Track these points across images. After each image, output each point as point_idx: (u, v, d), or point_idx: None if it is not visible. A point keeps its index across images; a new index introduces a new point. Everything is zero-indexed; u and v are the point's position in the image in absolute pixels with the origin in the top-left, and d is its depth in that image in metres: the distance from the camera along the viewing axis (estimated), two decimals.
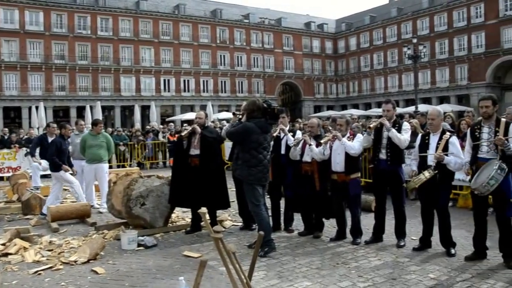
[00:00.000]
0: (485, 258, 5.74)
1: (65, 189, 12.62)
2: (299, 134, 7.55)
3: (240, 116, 6.69)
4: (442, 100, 53.96)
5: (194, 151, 7.50)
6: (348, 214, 6.94)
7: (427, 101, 53.17)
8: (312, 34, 68.18)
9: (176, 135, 14.93)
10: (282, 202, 7.68)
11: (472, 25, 52.55)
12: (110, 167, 12.98)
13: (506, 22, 49.54)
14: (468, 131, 6.05)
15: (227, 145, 13.39)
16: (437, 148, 5.96)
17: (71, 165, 9.53)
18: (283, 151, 7.41)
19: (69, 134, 9.80)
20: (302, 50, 66.57)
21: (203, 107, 37.19)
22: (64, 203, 9.87)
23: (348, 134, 6.79)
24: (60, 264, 5.89)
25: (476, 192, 5.48)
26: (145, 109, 47.44)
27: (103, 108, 34.01)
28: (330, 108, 64.90)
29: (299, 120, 18.50)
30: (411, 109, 35.98)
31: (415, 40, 38.29)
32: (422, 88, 54.28)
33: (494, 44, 50.36)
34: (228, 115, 35.41)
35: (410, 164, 6.50)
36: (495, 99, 5.77)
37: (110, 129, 23.13)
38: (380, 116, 6.80)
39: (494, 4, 50.29)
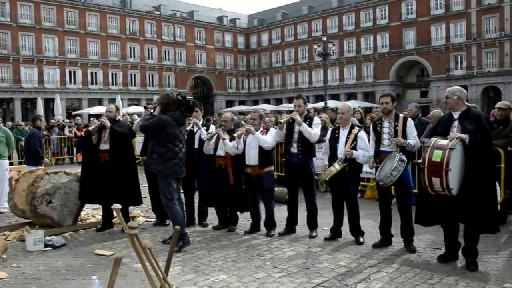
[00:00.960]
0: (390, 245, 6.11)
1: None
2: (212, 128, 7.55)
3: (152, 110, 6.55)
4: (350, 96, 56.36)
5: (104, 146, 7.27)
6: (262, 207, 7.04)
7: (335, 97, 55.28)
8: (224, 28, 68.25)
9: (84, 130, 14.35)
10: (196, 197, 7.66)
11: (377, 26, 55.33)
12: (11, 163, 12.17)
13: (408, 25, 52.82)
14: (371, 126, 6.40)
15: (138, 140, 13.08)
16: (346, 141, 6.23)
17: None
18: (196, 145, 7.37)
19: (42, 125, 10.09)
20: (214, 45, 66.42)
21: (112, 101, 36.02)
22: None
23: (261, 128, 6.88)
24: None
25: (381, 183, 5.82)
26: (48, 102, 45.09)
27: (1, 101, 31.92)
28: (242, 103, 65.49)
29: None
30: (321, 104, 37.29)
31: (324, 38, 39.73)
32: (331, 84, 56.31)
33: (397, 45, 53.49)
34: (139, 109, 34.59)
35: (322, 157, 6.72)
36: (394, 96, 6.20)
37: (9, 123, 21.69)
38: (291, 111, 6.95)
39: (397, 7, 53.40)
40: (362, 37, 56.98)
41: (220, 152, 7.05)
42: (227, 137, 6.94)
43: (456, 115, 5.31)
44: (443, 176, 4.85)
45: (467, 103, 5.38)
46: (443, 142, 5.00)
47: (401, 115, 6.06)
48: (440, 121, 5.64)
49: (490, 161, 5.27)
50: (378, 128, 6.10)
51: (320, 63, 50.45)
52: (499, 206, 7.22)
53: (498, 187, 7.26)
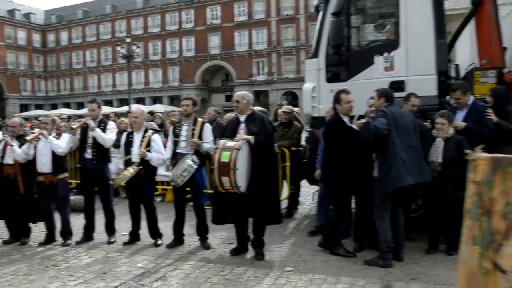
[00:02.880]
0: (182, 244, 6.38)
1: None
2: None
3: None
4: (155, 100, 56.38)
5: None
6: (57, 217, 6.74)
7: (141, 101, 54.76)
8: (17, 23, 62.37)
9: None
10: None
11: (183, 29, 56.44)
12: None
13: (212, 30, 55.02)
14: (171, 128, 6.60)
15: None
16: (140, 145, 6.32)
17: None
18: None
19: None
20: (5, 41, 60.22)
21: None
22: None
23: (54, 134, 6.59)
24: None
25: (173, 184, 6.08)
26: None
27: None
28: (38, 107, 60.35)
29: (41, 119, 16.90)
30: (125, 108, 36.60)
31: (128, 40, 38.99)
32: (136, 88, 55.66)
33: (202, 49, 55.23)
34: None
35: (117, 162, 6.72)
36: (195, 100, 6.55)
37: None
38: None
39: (202, 12, 55.24)
40: (168, 40, 57.59)
41: (8, 160, 6.55)
42: (15, 143, 6.48)
43: (242, 118, 5.80)
44: (231, 175, 5.26)
45: (252, 107, 5.91)
46: (230, 143, 5.42)
47: (199, 119, 6.36)
48: (229, 124, 6.09)
49: (273, 160, 5.91)
50: (177, 130, 6.32)
51: (124, 65, 49.41)
52: (287, 201, 8.08)
53: (285, 184, 8.10)
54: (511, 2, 8.00)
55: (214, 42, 55.38)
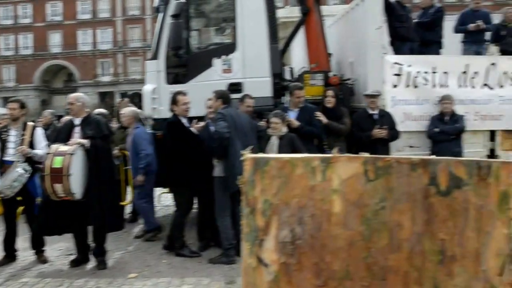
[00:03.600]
0: (15, 260, 5.88)
1: None
2: None
3: None
4: None
5: None
6: None
7: None
8: None
9: None
10: None
11: (19, 25, 51.90)
12: None
13: (53, 27, 51.48)
14: None
15: None
16: None
17: None
18: None
19: None
20: None
21: None
22: None
23: None
24: None
25: (2, 195, 5.60)
26: None
27: None
28: None
29: None
30: None
31: None
32: None
33: (42, 47, 51.39)
34: None
35: None
36: (23, 102, 6.03)
37: None
38: None
39: (41, 7, 51.35)
40: (2, 35, 52.60)
41: None
42: None
43: (77, 121, 5.53)
44: (65, 182, 4.99)
45: (87, 110, 5.67)
46: (63, 148, 5.14)
47: (30, 124, 5.90)
48: (62, 128, 5.80)
49: (111, 164, 5.75)
50: (4, 136, 5.79)
51: None
52: (131, 205, 7.89)
53: (128, 188, 7.89)
54: (333, 15, 8.79)
55: (55, 40, 51.86)
